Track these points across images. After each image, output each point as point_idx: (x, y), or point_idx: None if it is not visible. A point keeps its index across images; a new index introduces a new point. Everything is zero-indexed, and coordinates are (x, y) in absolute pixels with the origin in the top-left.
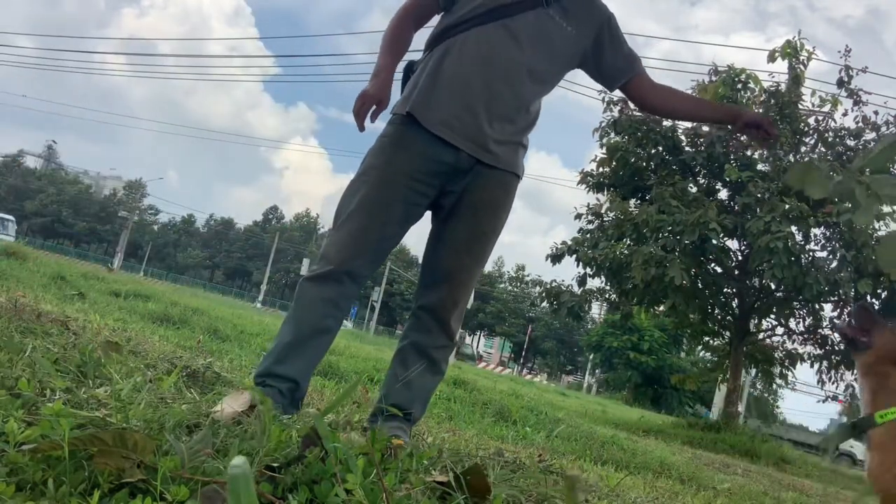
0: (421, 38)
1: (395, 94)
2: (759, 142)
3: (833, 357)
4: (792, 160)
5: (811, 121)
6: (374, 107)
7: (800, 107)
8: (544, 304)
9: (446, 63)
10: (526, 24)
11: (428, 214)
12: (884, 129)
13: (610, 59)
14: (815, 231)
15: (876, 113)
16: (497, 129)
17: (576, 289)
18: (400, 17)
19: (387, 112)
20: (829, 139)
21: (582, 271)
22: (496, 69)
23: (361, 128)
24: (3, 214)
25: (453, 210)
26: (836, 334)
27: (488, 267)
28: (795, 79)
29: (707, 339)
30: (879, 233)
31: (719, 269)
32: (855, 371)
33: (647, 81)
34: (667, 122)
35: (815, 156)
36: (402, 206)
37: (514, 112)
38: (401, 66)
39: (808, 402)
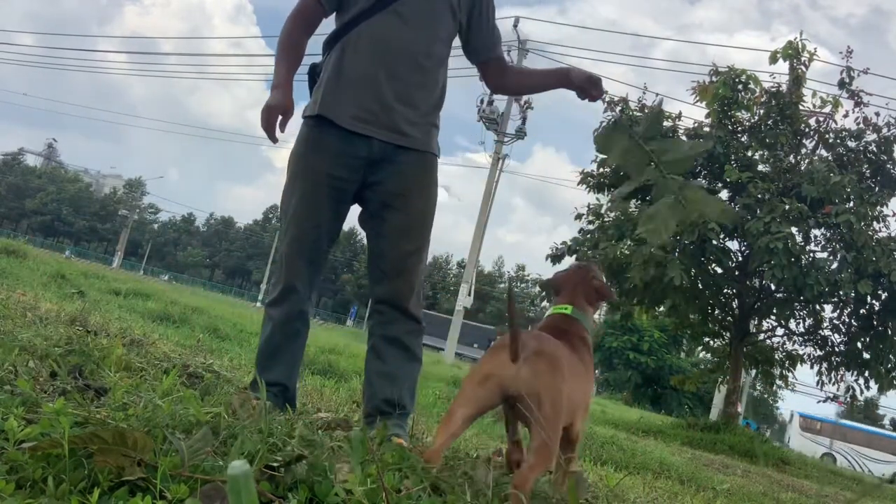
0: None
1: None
2: (588, 98)
3: (833, 358)
4: (793, 160)
5: (812, 122)
6: (280, 117)
7: (801, 108)
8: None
9: (345, 60)
10: (414, 5)
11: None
12: (885, 130)
13: (477, 33)
14: (815, 232)
15: (877, 114)
16: (408, 112)
17: None
18: (290, 26)
19: (297, 117)
20: (830, 140)
21: None
22: (395, 55)
23: (274, 139)
24: None
25: (382, 201)
26: None
27: (488, 266)
28: (796, 80)
29: (707, 339)
30: (879, 234)
31: (719, 270)
32: (853, 372)
33: (505, 64)
34: (667, 122)
35: (816, 157)
36: (332, 204)
37: (420, 93)
38: (305, 69)
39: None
